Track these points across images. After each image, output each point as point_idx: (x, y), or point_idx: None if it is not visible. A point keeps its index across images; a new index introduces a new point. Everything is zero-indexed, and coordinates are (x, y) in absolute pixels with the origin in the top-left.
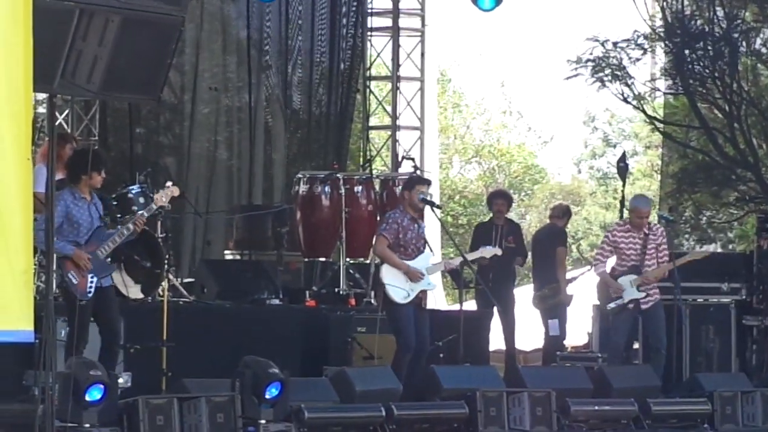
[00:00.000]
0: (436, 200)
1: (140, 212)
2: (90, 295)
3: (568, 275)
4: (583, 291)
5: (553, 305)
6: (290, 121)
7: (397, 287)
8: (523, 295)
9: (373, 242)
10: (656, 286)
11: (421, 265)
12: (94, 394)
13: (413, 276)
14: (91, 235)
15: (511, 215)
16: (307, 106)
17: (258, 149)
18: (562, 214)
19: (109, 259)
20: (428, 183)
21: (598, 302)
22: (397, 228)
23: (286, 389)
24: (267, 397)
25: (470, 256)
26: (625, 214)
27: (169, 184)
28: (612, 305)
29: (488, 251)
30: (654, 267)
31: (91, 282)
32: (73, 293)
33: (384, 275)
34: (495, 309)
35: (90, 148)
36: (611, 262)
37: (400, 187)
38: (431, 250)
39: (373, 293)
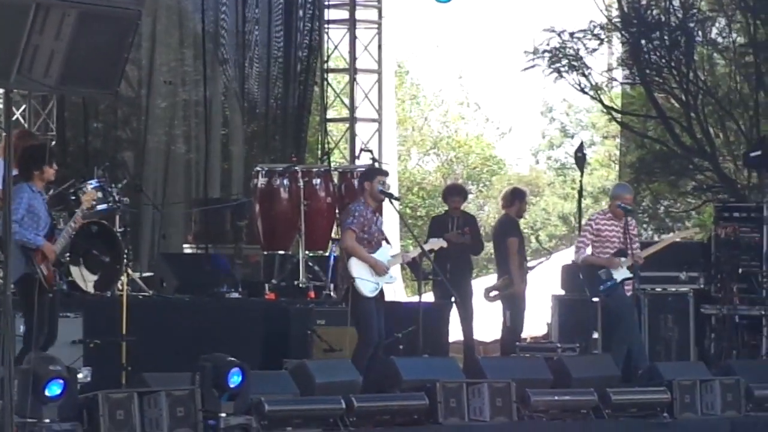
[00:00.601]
0: (395, 192)
1: (76, 213)
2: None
3: (529, 264)
4: (541, 281)
5: (507, 296)
6: (248, 114)
7: (366, 280)
8: (482, 286)
9: (341, 236)
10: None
11: (382, 258)
12: (54, 389)
13: (379, 269)
14: (48, 229)
15: (470, 207)
16: (264, 99)
17: (215, 142)
18: (510, 201)
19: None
20: (386, 174)
21: (560, 292)
22: (363, 221)
23: (247, 376)
24: (230, 386)
25: (416, 252)
26: (583, 204)
27: (88, 187)
28: (602, 287)
29: (435, 243)
30: (638, 251)
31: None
32: (44, 284)
33: (353, 269)
34: (453, 300)
35: (40, 142)
36: (588, 251)
37: (359, 179)
38: (389, 243)
39: (332, 286)
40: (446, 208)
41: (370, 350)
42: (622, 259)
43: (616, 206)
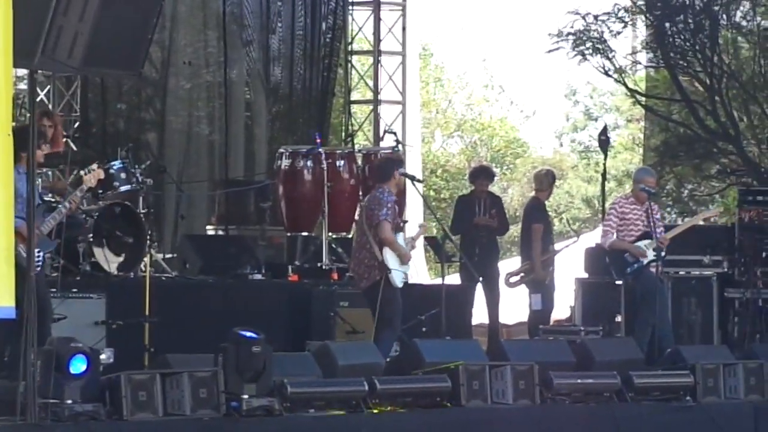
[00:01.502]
0: (419, 175)
1: (74, 193)
2: (39, 268)
3: (557, 247)
4: (565, 264)
5: (530, 282)
6: (271, 96)
7: (399, 271)
8: (506, 269)
9: (377, 228)
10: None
11: (402, 243)
12: (78, 365)
13: (407, 259)
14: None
15: (494, 189)
16: (288, 81)
17: (239, 124)
18: (547, 184)
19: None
20: (402, 162)
21: (583, 275)
22: (395, 211)
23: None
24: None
25: (419, 233)
26: (607, 187)
27: (94, 166)
28: (629, 270)
29: (417, 233)
30: (662, 235)
31: (38, 256)
32: (22, 265)
33: (389, 260)
34: (479, 283)
35: (27, 123)
36: (614, 236)
37: (385, 167)
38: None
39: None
40: (471, 188)
41: (395, 337)
42: (647, 241)
43: (639, 190)
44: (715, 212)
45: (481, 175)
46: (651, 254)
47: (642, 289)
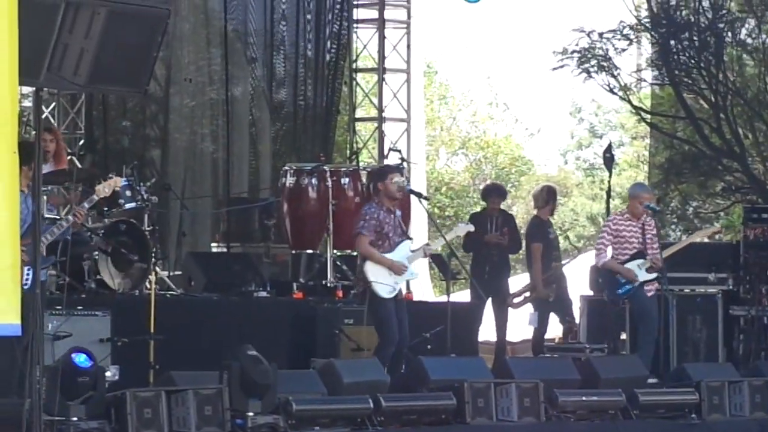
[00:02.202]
0: (423, 192)
1: (81, 205)
2: (27, 286)
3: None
4: (569, 282)
5: (534, 300)
6: (275, 114)
7: (383, 284)
8: (517, 285)
9: (354, 241)
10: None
11: (402, 254)
12: (82, 359)
13: (397, 270)
14: (26, 228)
15: None
16: (292, 99)
17: (243, 142)
18: (545, 201)
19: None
20: (400, 170)
21: (588, 293)
22: (375, 223)
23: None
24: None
25: (448, 237)
26: (612, 204)
27: (111, 174)
28: (621, 291)
29: (462, 229)
30: (656, 253)
31: (27, 274)
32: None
33: (368, 272)
34: (489, 300)
35: (28, 139)
36: (609, 253)
37: (370, 181)
38: (410, 238)
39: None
40: (484, 206)
41: (391, 350)
42: (640, 260)
43: (635, 206)
44: (714, 230)
45: (493, 193)
46: (643, 274)
47: (638, 310)
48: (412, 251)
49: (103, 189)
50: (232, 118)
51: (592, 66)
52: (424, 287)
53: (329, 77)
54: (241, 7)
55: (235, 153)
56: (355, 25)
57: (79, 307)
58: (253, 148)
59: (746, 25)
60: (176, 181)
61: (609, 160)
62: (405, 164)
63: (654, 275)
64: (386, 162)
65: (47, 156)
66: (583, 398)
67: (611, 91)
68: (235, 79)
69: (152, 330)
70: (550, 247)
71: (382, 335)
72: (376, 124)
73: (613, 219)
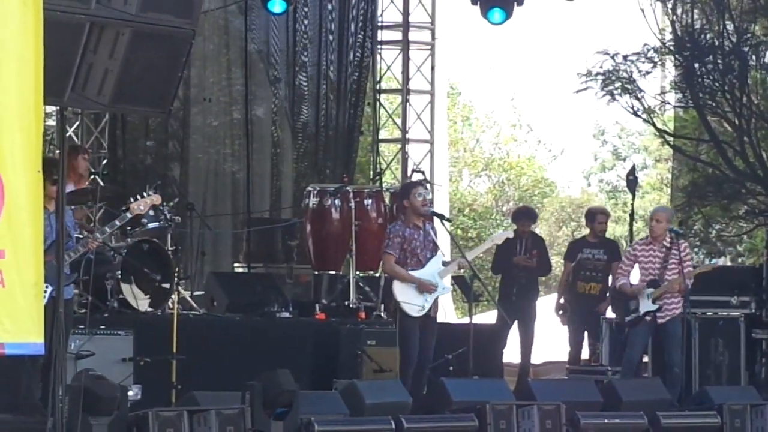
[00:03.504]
0: (446, 213)
1: (103, 229)
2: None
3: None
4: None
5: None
6: (298, 134)
7: (412, 303)
8: (544, 307)
9: (381, 262)
10: (675, 302)
11: (433, 269)
12: None
13: (425, 287)
14: (50, 245)
15: None
16: (314, 119)
17: (265, 162)
18: (586, 222)
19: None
20: (422, 184)
21: (610, 315)
22: (400, 241)
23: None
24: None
25: (482, 247)
26: (635, 227)
27: (150, 192)
28: (628, 318)
29: (500, 237)
30: (675, 276)
31: (45, 291)
32: None
33: (396, 293)
34: (516, 322)
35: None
36: (635, 277)
37: (396, 200)
38: (442, 253)
39: (383, 306)
40: (514, 228)
41: (410, 370)
42: (650, 290)
43: (650, 226)
44: (709, 267)
45: (523, 216)
46: (646, 305)
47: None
48: (444, 265)
49: (138, 206)
50: (254, 138)
51: (616, 88)
52: (446, 309)
53: (352, 98)
54: (263, 27)
55: (257, 173)
56: (379, 47)
57: (102, 327)
58: (275, 168)
59: None
60: (197, 200)
61: (632, 182)
62: (428, 185)
63: (655, 307)
64: None
65: (83, 175)
66: (605, 420)
67: (635, 113)
68: (259, 100)
69: (174, 350)
70: (579, 267)
71: (401, 353)
72: (399, 146)
73: (634, 245)
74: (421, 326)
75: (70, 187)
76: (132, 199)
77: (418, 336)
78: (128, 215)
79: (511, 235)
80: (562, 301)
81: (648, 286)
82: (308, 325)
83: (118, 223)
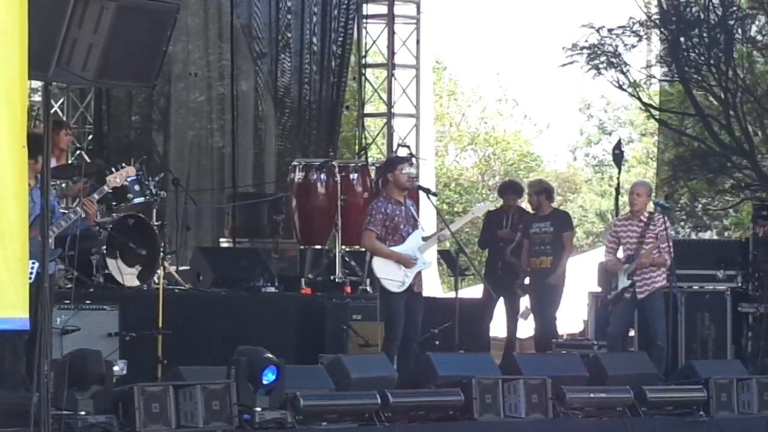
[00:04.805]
0: (432, 188)
1: (91, 196)
2: (31, 280)
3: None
4: (579, 278)
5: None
6: (281, 108)
7: (392, 279)
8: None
9: (362, 239)
10: (655, 276)
11: (413, 244)
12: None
13: (406, 262)
14: (33, 220)
15: None
16: (298, 94)
17: (250, 136)
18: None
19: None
20: (409, 160)
21: (596, 289)
22: (382, 217)
23: (282, 374)
24: (264, 382)
25: (463, 219)
26: (621, 201)
27: (123, 164)
28: (610, 296)
29: (480, 209)
30: (652, 250)
31: (32, 267)
32: None
33: (376, 269)
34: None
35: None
36: (616, 254)
37: (379, 174)
38: (422, 227)
39: (368, 281)
40: (500, 203)
41: (394, 346)
42: (627, 265)
43: (629, 200)
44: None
45: (509, 190)
46: (624, 280)
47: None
48: (424, 239)
49: (114, 179)
50: (239, 113)
51: (602, 62)
52: (432, 283)
53: (335, 72)
54: (246, 1)
55: (241, 148)
56: (364, 21)
57: (87, 302)
58: (258, 143)
59: (756, 22)
60: (182, 175)
61: (618, 156)
62: (414, 160)
63: (629, 282)
64: None
65: (64, 150)
66: (591, 395)
67: (620, 87)
68: (243, 74)
69: (160, 325)
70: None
71: (387, 330)
72: (385, 120)
73: (614, 222)
74: (408, 302)
75: (52, 163)
76: (108, 173)
77: (403, 312)
78: (105, 188)
79: (491, 206)
80: (527, 281)
81: (625, 262)
82: (294, 299)
83: (96, 196)
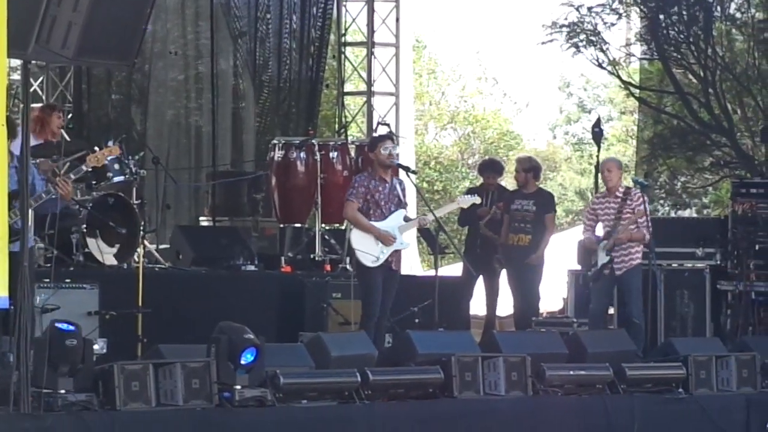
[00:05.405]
0: (412, 166)
1: (67, 175)
2: None
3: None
4: (558, 256)
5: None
6: (260, 87)
7: (367, 252)
8: None
9: (344, 208)
10: (633, 252)
11: (393, 223)
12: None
13: (385, 239)
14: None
15: None
16: (277, 72)
17: (228, 116)
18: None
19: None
20: (391, 138)
21: (576, 267)
22: (364, 191)
23: (261, 354)
24: (242, 362)
25: (447, 208)
26: (600, 179)
27: (109, 143)
28: (590, 273)
29: (466, 200)
30: (628, 226)
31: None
32: None
33: (353, 240)
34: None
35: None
36: (599, 230)
37: (363, 153)
38: (405, 208)
39: (348, 259)
40: (481, 181)
41: (372, 323)
42: (604, 242)
43: (602, 177)
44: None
45: (489, 168)
46: (602, 257)
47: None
48: (406, 221)
49: (95, 158)
50: (218, 92)
51: (581, 40)
52: (412, 261)
53: (315, 51)
54: None
55: (220, 126)
56: None
57: (67, 280)
58: (237, 121)
59: (735, 0)
60: (161, 154)
61: (598, 134)
62: (395, 139)
63: (607, 258)
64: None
65: (55, 132)
66: (571, 372)
67: (600, 65)
68: (223, 53)
69: (140, 303)
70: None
71: (363, 306)
72: (364, 98)
73: (592, 200)
74: (384, 279)
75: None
76: (90, 152)
77: (380, 289)
78: (84, 168)
79: (478, 200)
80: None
81: (603, 239)
82: (274, 278)
83: (72, 176)
